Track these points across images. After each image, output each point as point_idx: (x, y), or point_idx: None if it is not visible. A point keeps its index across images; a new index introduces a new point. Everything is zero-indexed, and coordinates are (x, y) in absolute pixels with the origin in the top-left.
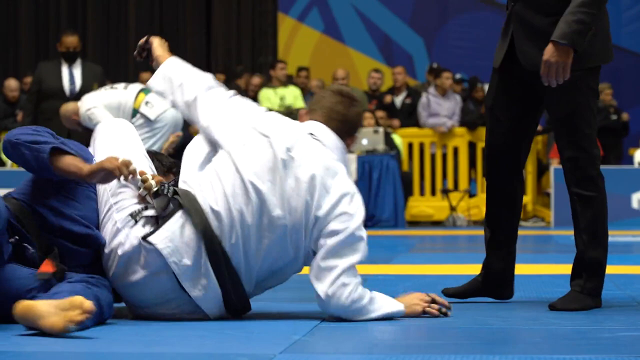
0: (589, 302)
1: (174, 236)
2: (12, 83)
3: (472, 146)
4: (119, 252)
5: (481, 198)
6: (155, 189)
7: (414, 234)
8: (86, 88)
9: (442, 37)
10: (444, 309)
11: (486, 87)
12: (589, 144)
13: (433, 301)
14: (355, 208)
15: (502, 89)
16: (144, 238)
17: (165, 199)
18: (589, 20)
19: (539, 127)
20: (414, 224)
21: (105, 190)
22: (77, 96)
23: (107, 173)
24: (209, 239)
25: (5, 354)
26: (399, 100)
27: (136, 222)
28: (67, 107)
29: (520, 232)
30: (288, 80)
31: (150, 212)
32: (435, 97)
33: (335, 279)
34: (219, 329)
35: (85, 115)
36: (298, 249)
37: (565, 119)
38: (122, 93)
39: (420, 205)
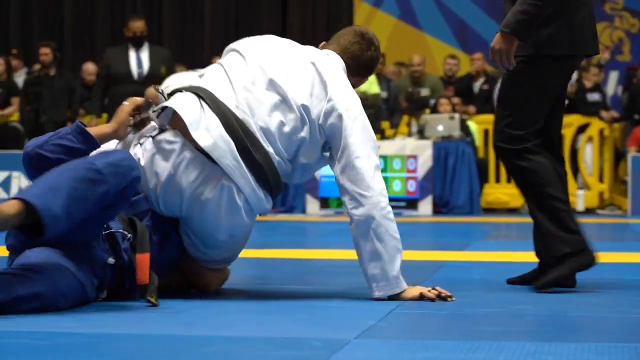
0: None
1: (179, 98)
2: (89, 67)
3: None
4: (145, 158)
5: None
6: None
7: (490, 221)
8: (154, 71)
9: None
10: (443, 294)
11: None
12: (512, 126)
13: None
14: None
15: None
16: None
17: (163, 97)
18: (534, 11)
19: (615, 114)
20: (490, 211)
21: (134, 153)
22: (145, 80)
23: (127, 118)
24: (212, 101)
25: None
26: (476, 86)
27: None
28: (151, 89)
29: (596, 220)
30: None
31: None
32: None
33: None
34: (291, 313)
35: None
36: (307, 115)
37: (498, 102)
38: None
39: (496, 192)
